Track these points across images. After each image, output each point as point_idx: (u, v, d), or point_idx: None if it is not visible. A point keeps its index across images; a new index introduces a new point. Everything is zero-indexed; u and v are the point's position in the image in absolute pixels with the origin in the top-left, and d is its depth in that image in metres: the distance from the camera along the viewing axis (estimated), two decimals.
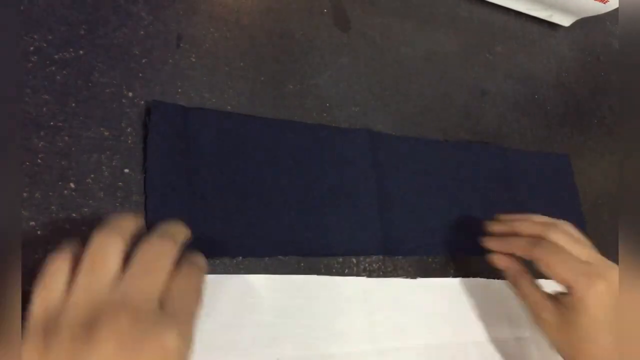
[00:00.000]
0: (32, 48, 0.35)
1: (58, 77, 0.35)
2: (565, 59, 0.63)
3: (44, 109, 0.34)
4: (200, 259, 0.30)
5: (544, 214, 0.42)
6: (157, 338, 0.25)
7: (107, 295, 0.25)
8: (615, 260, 0.36)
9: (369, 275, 0.41)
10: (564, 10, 0.60)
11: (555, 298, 0.38)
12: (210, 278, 0.35)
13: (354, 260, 0.41)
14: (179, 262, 0.29)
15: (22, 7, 0.35)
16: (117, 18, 0.38)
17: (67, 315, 0.25)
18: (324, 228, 0.40)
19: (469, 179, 0.48)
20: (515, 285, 0.40)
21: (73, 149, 0.34)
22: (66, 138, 0.34)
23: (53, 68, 0.35)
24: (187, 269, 0.29)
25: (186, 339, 0.26)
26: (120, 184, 0.34)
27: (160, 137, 0.36)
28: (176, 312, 0.26)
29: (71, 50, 0.36)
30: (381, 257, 0.42)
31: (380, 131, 0.46)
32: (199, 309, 0.28)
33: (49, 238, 0.31)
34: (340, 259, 0.41)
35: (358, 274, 0.41)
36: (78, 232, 0.32)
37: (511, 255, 0.41)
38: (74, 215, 0.32)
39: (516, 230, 0.41)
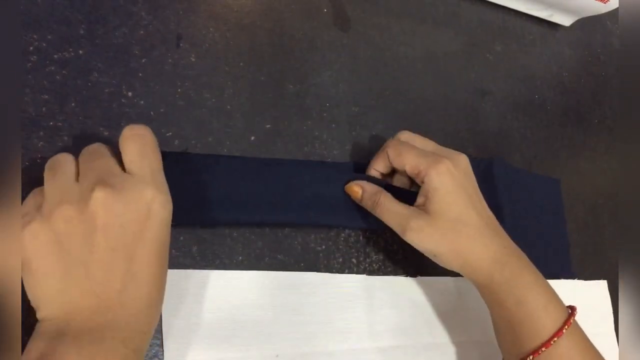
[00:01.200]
0: (31, 48, 0.35)
1: (58, 77, 0.35)
2: (565, 58, 0.63)
3: (44, 109, 0.34)
4: (137, 126, 0.31)
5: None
6: (138, 198, 0.27)
7: (76, 185, 0.28)
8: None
9: (369, 271, 0.41)
10: (564, 10, 0.60)
11: (416, 207, 0.37)
12: (211, 274, 0.35)
13: (354, 261, 0.41)
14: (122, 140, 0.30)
15: (22, 7, 0.35)
16: (117, 18, 0.38)
17: (49, 209, 0.27)
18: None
19: None
20: (374, 207, 0.38)
21: (73, 149, 0.34)
22: (65, 138, 0.34)
23: (52, 68, 0.35)
24: (130, 135, 0.30)
25: (163, 193, 0.29)
26: None
27: None
28: (144, 173, 0.29)
29: (71, 50, 0.36)
30: (381, 256, 0.42)
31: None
32: (161, 164, 0.30)
33: None
34: (341, 259, 0.41)
35: (358, 274, 0.41)
36: None
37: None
38: None
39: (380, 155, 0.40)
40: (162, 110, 0.37)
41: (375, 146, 0.45)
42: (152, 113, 0.37)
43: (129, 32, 0.38)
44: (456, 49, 0.55)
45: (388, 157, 0.39)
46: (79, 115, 0.35)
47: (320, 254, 0.40)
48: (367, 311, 0.40)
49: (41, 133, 0.33)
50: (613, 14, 0.60)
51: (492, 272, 0.36)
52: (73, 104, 0.35)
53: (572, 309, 0.37)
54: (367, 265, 0.41)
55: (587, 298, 0.51)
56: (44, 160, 0.32)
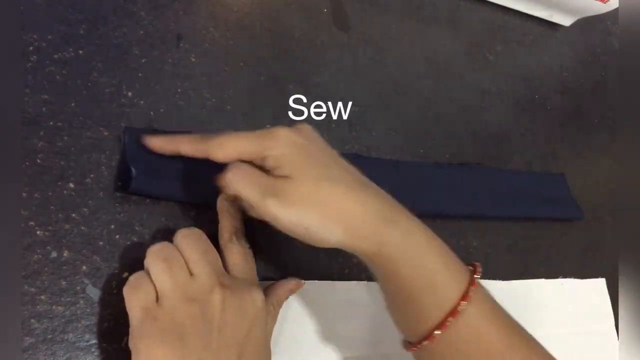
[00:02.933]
0: (31, 48, 0.35)
1: (57, 77, 0.35)
2: (565, 58, 0.63)
3: (44, 109, 0.34)
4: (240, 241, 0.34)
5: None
6: (248, 298, 0.30)
7: (192, 282, 0.29)
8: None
9: (369, 276, 0.41)
10: (564, 9, 0.60)
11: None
12: None
13: (354, 261, 0.41)
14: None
15: (22, 7, 0.35)
16: (117, 18, 0.38)
17: (171, 306, 0.28)
18: None
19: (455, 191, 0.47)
20: (230, 174, 0.30)
21: (72, 148, 0.34)
22: (66, 138, 0.34)
23: (52, 68, 0.35)
24: (234, 243, 0.33)
25: (261, 294, 0.31)
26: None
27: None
28: (246, 277, 0.32)
29: (71, 50, 0.36)
30: None
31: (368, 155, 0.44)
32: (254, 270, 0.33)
33: (48, 238, 0.31)
34: (341, 259, 0.41)
35: (358, 275, 0.41)
36: (78, 233, 0.32)
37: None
38: (73, 215, 0.32)
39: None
40: (162, 110, 0.37)
41: (375, 146, 0.45)
42: (152, 113, 0.37)
43: (129, 32, 0.38)
44: (456, 49, 0.55)
45: (205, 150, 0.31)
46: (79, 115, 0.35)
47: (320, 254, 0.40)
48: (371, 318, 0.40)
49: (41, 133, 0.33)
50: (613, 14, 0.60)
51: (382, 234, 0.29)
52: (73, 104, 0.35)
53: (474, 267, 0.32)
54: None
55: (586, 296, 0.51)
56: (44, 160, 0.33)
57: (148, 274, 0.29)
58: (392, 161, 0.45)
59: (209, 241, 0.32)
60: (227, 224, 0.33)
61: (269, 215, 0.29)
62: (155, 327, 0.27)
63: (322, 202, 0.29)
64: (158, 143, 0.33)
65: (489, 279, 0.46)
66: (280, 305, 0.35)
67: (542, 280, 0.49)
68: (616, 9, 0.57)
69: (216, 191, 0.33)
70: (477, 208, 0.48)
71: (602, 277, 0.53)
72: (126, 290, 0.29)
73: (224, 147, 0.30)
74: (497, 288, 0.46)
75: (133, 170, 0.33)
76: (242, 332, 0.29)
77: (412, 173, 0.46)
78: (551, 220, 0.52)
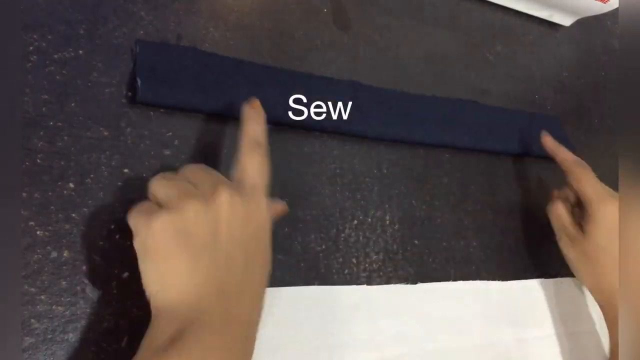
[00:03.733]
0: (31, 48, 0.35)
1: (57, 77, 0.35)
2: (565, 58, 0.63)
3: (44, 109, 0.34)
4: (256, 136, 0.33)
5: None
6: (255, 203, 0.30)
7: (196, 188, 0.29)
8: None
9: (369, 276, 0.41)
10: (564, 9, 0.60)
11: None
12: None
13: (354, 261, 0.41)
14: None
15: (22, 7, 0.35)
16: (117, 17, 0.38)
17: (181, 204, 0.28)
18: None
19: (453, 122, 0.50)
20: (551, 208, 0.48)
21: (72, 149, 0.34)
22: (65, 138, 0.34)
23: (52, 68, 0.35)
24: (249, 147, 0.33)
25: (269, 204, 0.32)
26: (119, 183, 0.34)
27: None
28: (259, 186, 0.32)
29: (71, 49, 0.36)
30: (381, 256, 0.42)
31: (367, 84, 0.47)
32: (267, 182, 0.33)
33: (48, 238, 0.31)
34: (341, 259, 0.41)
35: (358, 274, 0.41)
36: (77, 233, 0.32)
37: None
38: (73, 215, 0.32)
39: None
40: (161, 110, 0.37)
41: (375, 146, 0.45)
42: (151, 113, 0.37)
43: (129, 32, 0.38)
44: (456, 49, 0.55)
45: (571, 173, 0.47)
46: (79, 115, 0.35)
47: (320, 254, 0.40)
48: (369, 321, 0.39)
49: (41, 133, 0.33)
50: (613, 14, 0.60)
51: (616, 294, 0.42)
52: (73, 104, 0.35)
53: None
54: (367, 265, 0.41)
55: (585, 295, 0.51)
56: (44, 160, 0.33)
57: (155, 198, 0.29)
58: (389, 90, 0.48)
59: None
60: (250, 131, 0.33)
61: (561, 248, 0.48)
62: (163, 226, 0.27)
63: (594, 262, 0.45)
64: (550, 143, 0.50)
65: (488, 279, 0.46)
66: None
67: (540, 280, 0.49)
68: (616, 9, 0.57)
69: (225, 100, 0.38)
70: (472, 140, 0.50)
71: None
72: (131, 215, 0.29)
73: (579, 183, 0.47)
74: (495, 289, 0.46)
75: (139, 81, 0.36)
76: (248, 233, 0.29)
77: (410, 103, 0.48)
78: (546, 158, 0.53)
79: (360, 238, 0.42)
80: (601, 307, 0.44)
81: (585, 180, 0.45)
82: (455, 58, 0.54)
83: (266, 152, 0.33)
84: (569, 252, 0.45)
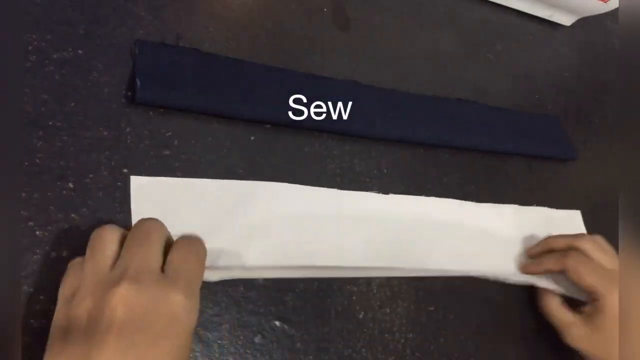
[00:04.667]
0: (30, 47, 0.35)
1: (57, 77, 0.35)
2: (565, 58, 0.63)
3: (43, 109, 0.34)
4: (195, 236, 0.32)
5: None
6: (164, 301, 0.26)
7: (110, 273, 0.27)
8: None
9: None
10: (565, 9, 0.60)
11: (579, 312, 0.41)
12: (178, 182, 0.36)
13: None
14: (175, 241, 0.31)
15: (21, 7, 0.35)
16: (117, 17, 0.38)
17: (78, 298, 0.26)
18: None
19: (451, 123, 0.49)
20: (543, 306, 0.44)
21: (72, 148, 0.34)
22: (65, 138, 0.34)
23: (52, 67, 0.35)
24: (183, 240, 0.31)
25: (191, 301, 0.28)
26: (119, 184, 0.34)
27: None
28: (178, 277, 0.28)
29: (70, 49, 0.36)
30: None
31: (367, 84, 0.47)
32: (201, 274, 0.30)
33: (47, 238, 0.31)
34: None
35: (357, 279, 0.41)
36: (77, 233, 0.32)
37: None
38: (72, 215, 0.32)
39: (551, 246, 0.45)
40: (161, 110, 0.37)
41: (375, 146, 0.45)
42: (151, 113, 0.37)
43: (128, 32, 0.38)
44: (456, 48, 0.55)
45: (565, 268, 0.42)
46: (79, 115, 0.35)
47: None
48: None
49: (40, 133, 0.33)
50: (613, 13, 0.60)
51: None
52: (72, 104, 0.35)
53: None
54: None
55: (562, 225, 0.52)
56: (44, 160, 0.32)
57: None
58: (389, 90, 0.47)
59: (163, 240, 0.29)
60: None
61: (570, 341, 0.42)
62: (56, 319, 0.27)
63: (605, 350, 0.40)
64: (530, 268, 0.45)
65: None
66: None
67: (517, 206, 0.50)
68: (616, 9, 0.57)
69: (224, 100, 0.38)
70: (472, 140, 0.50)
71: None
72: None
73: (579, 276, 0.41)
74: (470, 210, 0.47)
75: (138, 82, 0.36)
76: (146, 338, 0.25)
77: (410, 103, 0.48)
78: (546, 158, 0.54)
79: None
80: None
81: (585, 272, 0.41)
82: (455, 57, 0.54)
83: (200, 243, 0.31)
84: (585, 346, 0.41)
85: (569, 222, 0.53)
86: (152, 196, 0.34)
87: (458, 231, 0.45)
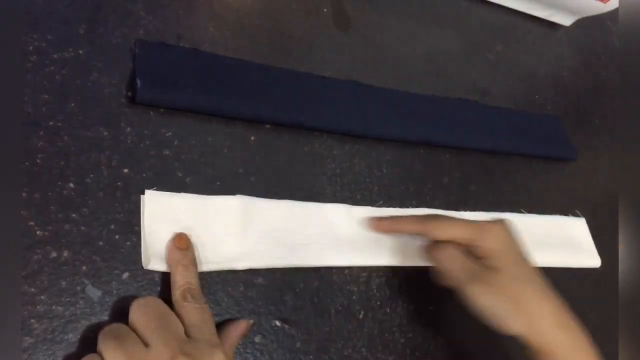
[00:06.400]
0: (31, 47, 0.35)
1: (57, 77, 0.35)
2: (565, 58, 0.63)
3: (43, 109, 0.34)
4: (196, 299, 0.32)
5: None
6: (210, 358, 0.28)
7: (149, 354, 0.27)
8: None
9: (369, 275, 0.41)
10: (565, 9, 0.60)
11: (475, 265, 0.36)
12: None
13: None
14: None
15: (21, 7, 0.35)
16: (117, 17, 0.38)
17: None
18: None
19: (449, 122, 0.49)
20: (433, 249, 0.38)
21: (72, 148, 0.34)
22: (65, 138, 0.34)
23: (52, 68, 0.35)
24: (188, 304, 0.31)
25: (225, 352, 0.29)
26: (119, 183, 0.34)
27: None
28: (206, 338, 0.30)
29: (70, 49, 0.36)
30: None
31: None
32: (214, 327, 0.31)
33: (48, 238, 0.31)
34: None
35: (358, 274, 0.41)
36: (77, 233, 0.32)
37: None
38: (73, 215, 0.32)
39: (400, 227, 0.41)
40: (161, 110, 0.37)
41: (375, 145, 0.45)
42: (151, 113, 0.37)
43: (128, 32, 0.38)
44: (456, 48, 0.55)
45: (425, 230, 0.38)
46: (79, 115, 0.35)
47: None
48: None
49: (41, 133, 0.33)
50: (613, 14, 0.60)
51: (556, 336, 0.34)
52: (73, 104, 0.35)
53: None
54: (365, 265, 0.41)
55: (571, 233, 0.52)
56: (44, 160, 0.32)
57: (102, 357, 0.27)
58: (389, 90, 0.47)
59: (166, 306, 0.30)
60: (179, 279, 0.32)
61: (468, 296, 0.35)
62: None
63: (516, 296, 0.35)
64: (384, 225, 0.40)
65: None
66: (234, 348, 0.33)
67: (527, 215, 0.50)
68: (616, 9, 0.57)
69: (224, 100, 0.38)
70: (472, 140, 0.50)
71: (601, 277, 0.53)
72: None
73: (444, 230, 0.37)
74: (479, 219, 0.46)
75: (138, 82, 0.36)
76: None
77: (410, 103, 0.48)
78: (546, 158, 0.54)
79: None
80: (538, 351, 0.35)
81: (450, 224, 0.37)
82: (455, 57, 0.54)
83: (200, 296, 0.32)
84: (485, 298, 0.35)
85: (575, 228, 0.53)
86: (162, 211, 0.34)
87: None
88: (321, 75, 0.44)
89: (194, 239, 0.34)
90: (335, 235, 0.39)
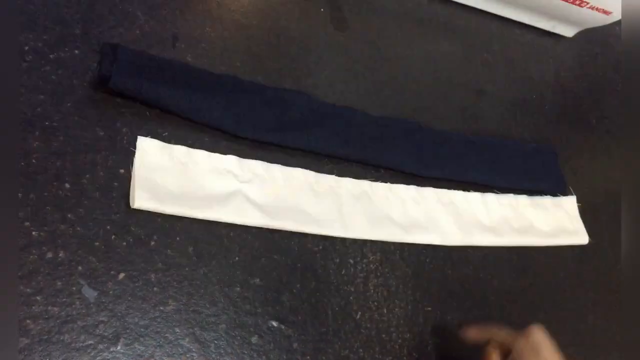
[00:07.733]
0: (27, 47, 0.35)
1: (53, 77, 0.35)
2: (567, 68, 0.63)
3: (39, 109, 0.34)
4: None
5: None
6: None
7: None
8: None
9: (366, 277, 0.41)
10: (567, 21, 0.60)
11: None
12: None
13: (351, 261, 0.41)
14: None
15: (18, 7, 0.35)
16: (113, 17, 0.38)
17: None
18: None
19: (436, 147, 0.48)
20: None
21: (68, 149, 0.34)
22: (61, 138, 0.34)
23: (48, 67, 0.35)
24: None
25: None
26: (115, 184, 0.34)
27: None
28: None
29: (66, 49, 0.36)
30: (378, 257, 0.42)
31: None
32: None
33: (44, 239, 0.31)
34: (337, 260, 0.40)
35: (356, 274, 0.41)
36: (73, 233, 0.32)
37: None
38: (69, 215, 0.32)
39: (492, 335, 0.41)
40: (159, 110, 0.37)
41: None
42: (148, 113, 0.37)
43: (124, 32, 0.38)
44: (455, 49, 0.55)
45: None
46: (75, 115, 0.35)
47: (317, 255, 0.40)
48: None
49: (36, 133, 0.33)
50: (616, 25, 0.60)
51: None
52: (69, 104, 0.35)
53: None
54: (364, 265, 0.41)
55: (558, 214, 0.52)
56: (40, 160, 0.32)
57: None
58: (381, 118, 0.46)
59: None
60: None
61: None
62: None
63: None
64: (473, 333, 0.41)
65: None
66: None
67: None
68: (619, 21, 0.57)
69: (195, 101, 0.38)
70: (467, 176, 0.49)
71: (601, 277, 0.53)
72: None
73: (496, 335, 0.39)
74: (470, 199, 0.47)
75: (114, 66, 0.35)
76: None
77: (406, 135, 0.46)
78: (535, 192, 0.53)
79: (357, 239, 0.42)
80: None
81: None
82: (455, 58, 0.54)
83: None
84: None
85: (564, 208, 0.53)
86: (154, 160, 0.36)
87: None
88: (307, 94, 0.43)
89: (183, 187, 0.36)
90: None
